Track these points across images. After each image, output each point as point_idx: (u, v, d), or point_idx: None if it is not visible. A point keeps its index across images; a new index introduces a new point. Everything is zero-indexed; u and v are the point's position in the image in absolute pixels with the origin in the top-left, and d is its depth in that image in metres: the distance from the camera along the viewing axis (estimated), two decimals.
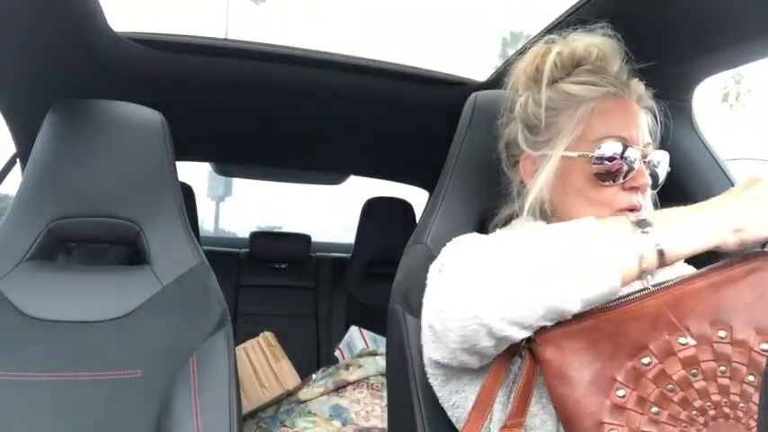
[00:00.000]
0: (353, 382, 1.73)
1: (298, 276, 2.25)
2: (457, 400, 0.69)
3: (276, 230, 3.54)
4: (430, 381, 0.71)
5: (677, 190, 0.94)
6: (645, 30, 0.86)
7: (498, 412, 0.63)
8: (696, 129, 1.02)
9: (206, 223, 5.75)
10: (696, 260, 0.59)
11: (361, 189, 2.58)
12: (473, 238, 0.75)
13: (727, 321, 0.54)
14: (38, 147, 0.93)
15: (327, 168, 2.41)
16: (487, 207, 0.86)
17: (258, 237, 2.32)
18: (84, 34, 1.02)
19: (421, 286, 0.80)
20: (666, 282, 0.56)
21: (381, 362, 1.78)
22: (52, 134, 0.94)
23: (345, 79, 1.37)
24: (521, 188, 0.78)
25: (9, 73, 1.06)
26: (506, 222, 0.81)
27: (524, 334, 0.56)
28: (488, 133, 0.85)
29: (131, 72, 1.24)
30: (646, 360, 0.54)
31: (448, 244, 0.75)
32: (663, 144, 0.77)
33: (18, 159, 1.30)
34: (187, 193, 1.97)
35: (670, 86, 0.97)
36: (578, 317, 0.55)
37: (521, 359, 0.60)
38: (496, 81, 0.84)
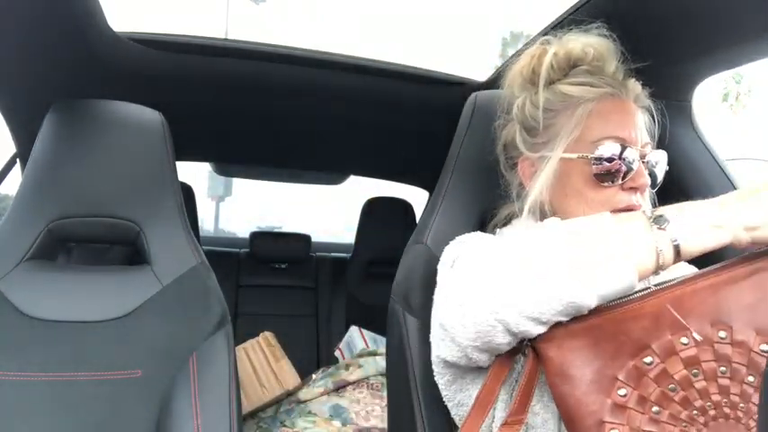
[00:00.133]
0: (353, 382, 1.73)
1: (298, 276, 2.25)
2: (461, 398, 0.69)
3: (276, 230, 3.54)
4: (436, 379, 0.71)
5: (677, 190, 0.94)
6: (645, 30, 0.86)
7: (501, 411, 0.63)
8: (696, 129, 1.02)
9: (206, 223, 5.75)
10: (698, 260, 0.58)
11: (361, 189, 2.58)
12: (477, 236, 0.75)
13: (728, 322, 0.54)
14: (38, 147, 0.93)
15: (327, 168, 2.41)
16: (487, 207, 0.86)
17: (258, 237, 2.32)
18: (84, 34, 1.02)
19: (421, 286, 0.81)
20: (668, 281, 0.56)
21: (381, 362, 1.78)
22: (52, 134, 0.94)
23: (345, 79, 1.37)
24: (520, 190, 0.78)
25: (9, 73, 1.06)
26: (506, 222, 0.81)
27: (541, 329, 0.56)
28: (488, 133, 0.85)
29: (131, 72, 1.24)
30: (647, 359, 0.54)
31: (451, 243, 0.75)
32: (661, 144, 0.77)
33: (18, 159, 1.30)
34: (187, 193, 1.97)
35: (670, 86, 0.97)
36: (581, 315, 0.55)
37: (523, 357, 0.60)
38: (496, 81, 0.84)
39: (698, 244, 0.55)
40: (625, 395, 0.53)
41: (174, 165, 0.99)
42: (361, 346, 1.98)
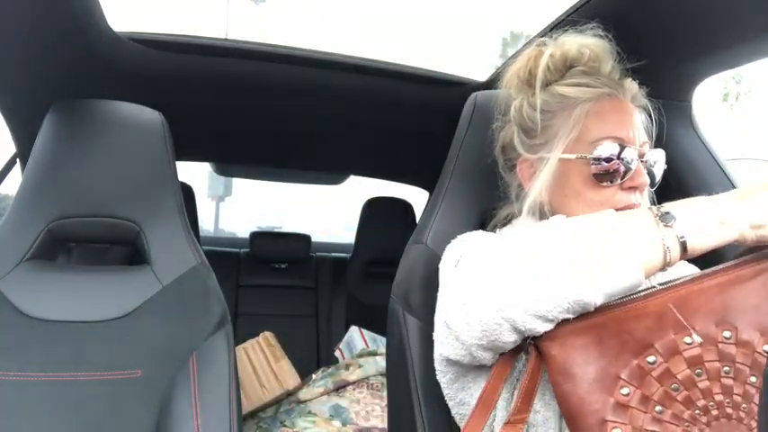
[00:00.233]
0: (353, 382, 1.73)
1: (298, 276, 2.25)
2: (463, 397, 0.69)
3: (276, 230, 3.54)
4: (438, 378, 0.71)
5: (677, 190, 0.94)
6: (645, 30, 0.86)
7: (501, 409, 0.63)
8: (696, 129, 1.02)
9: (206, 223, 5.75)
10: (700, 258, 0.58)
11: (361, 189, 2.58)
12: (479, 235, 0.75)
13: (733, 322, 0.54)
14: (38, 147, 0.93)
15: (327, 168, 2.41)
16: (487, 207, 0.86)
17: (258, 237, 2.32)
18: (85, 34, 1.02)
19: (421, 286, 0.81)
20: (673, 280, 0.56)
21: (381, 362, 1.78)
22: (52, 134, 0.94)
23: (345, 79, 1.37)
24: (519, 191, 0.78)
25: (9, 73, 1.06)
26: (506, 223, 0.81)
27: (548, 327, 0.55)
28: (488, 133, 0.85)
29: (131, 72, 1.24)
30: (651, 359, 0.54)
31: (452, 241, 0.75)
32: (659, 143, 0.77)
33: (18, 159, 1.30)
34: (187, 193, 1.97)
35: (670, 87, 0.97)
36: (585, 314, 0.55)
37: (526, 355, 0.60)
38: (496, 81, 0.84)
39: (704, 241, 0.55)
40: (628, 394, 0.53)
41: (174, 165, 0.99)
42: (361, 346, 1.98)
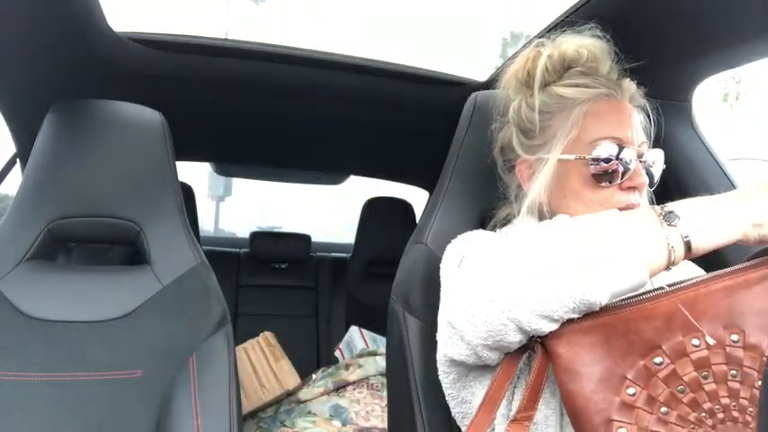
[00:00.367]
0: (353, 382, 1.73)
1: (298, 276, 2.25)
2: (465, 395, 0.69)
3: (276, 230, 3.53)
4: (440, 378, 0.71)
5: (677, 190, 0.94)
6: (644, 30, 0.86)
7: (502, 408, 0.63)
8: (696, 129, 1.02)
9: (206, 223, 5.75)
10: (704, 259, 0.58)
11: (361, 189, 2.58)
12: (480, 234, 0.75)
13: (740, 325, 0.53)
14: (38, 147, 0.93)
15: (327, 168, 2.41)
16: (487, 207, 0.86)
17: (258, 237, 2.32)
18: (85, 34, 1.02)
19: (421, 286, 0.81)
20: (681, 282, 0.56)
21: (381, 362, 1.78)
22: (52, 134, 0.94)
23: (345, 79, 1.37)
24: (518, 192, 0.78)
25: (9, 73, 1.06)
26: (505, 223, 0.81)
27: (553, 326, 0.55)
28: (488, 133, 0.85)
29: (131, 72, 1.24)
30: (658, 360, 0.54)
31: (453, 241, 0.75)
32: (658, 143, 0.77)
33: (18, 159, 1.30)
34: (187, 193, 1.97)
35: (669, 87, 0.97)
36: (592, 313, 0.55)
37: (533, 353, 0.60)
38: (496, 81, 0.84)
39: (708, 240, 0.55)
40: (634, 394, 0.53)
41: (174, 165, 0.99)
42: (361, 346, 1.98)
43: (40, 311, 0.86)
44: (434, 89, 1.42)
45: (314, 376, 1.82)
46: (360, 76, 1.36)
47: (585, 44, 0.74)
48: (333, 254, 2.42)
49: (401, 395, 0.80)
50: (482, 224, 0.86)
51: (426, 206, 0.97)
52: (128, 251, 1.03)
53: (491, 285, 0.57)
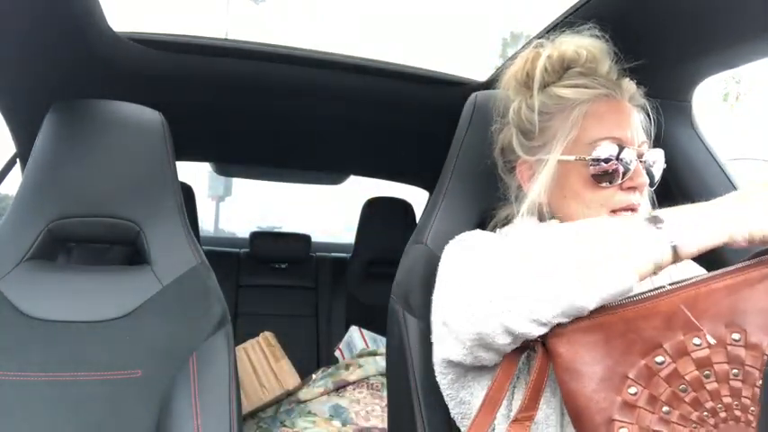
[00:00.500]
0: (353, 382, 1.73)
1: (298, 276, 2.25)
2: (463, 395, 0.69)
3: (276, 230, 3.53)
4: (438, 379, 0.71)
5: (677, 190, 0.94)
6: (644, 30, 0.86)
7: (502, 408, 0.63)
8: (696, 129, 1.02)
9: (206, 223, 5.75)
10: (706, 259, 0.58)
11: (361, 189, 2.58)
12: (477, 235, 0.75)
13: (742, 324, 0.53)
14: (38, 147, 0.93)
15: (327, 168, 2.41)
16: (487, 207, 0.86)
17: (258, 237, 2.32)
18: (85, 34, 1.02)
19: (421, 286, 0.81)
20: (682, 281, 0.56)
21: (381, 362, 1.78)
22: (52, 134, 0.94)
23: (345, 79, 1.37)
24: (518, 192, 0.78)
25: (9, 73, 1.06)
26: (505, 223, 0.81)
27: (542, 330, 0.56)
28: (488, 133, 0.85)
29: (131, 72, 1.24)
30: (659, 359, 0.54)
31: (451, 242, 0.75)
32: (658, 143, 0.77)
33: (18, 159, 1.30)
34: (187, 193, 1.97)
35: (669, 87, 0.97)
36: (593, 312, 0.55)
37: (533, 353, 0.60)
38: (496, 81, 0.84)
39: (695, 244, 0.55)
40: (635, 394, 0.53)
41: (174, 165, 0.99)
42: (361, 346, 1.98)
43: (40, 311, 0.86)
44: (434, 89, 1.42)
45: (314, 376, 1.82)
46: (360, 76, 1.36)
47: (585, 44, 0.74)
48: (333, 254, 2.42)
49: (401, 395, 0.80)
50: (482, 224, 0.86)
51: (426, 206, 0.97)
52: (128, 251, 1.03)
53: (482, 288, 0.58)
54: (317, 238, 2.45)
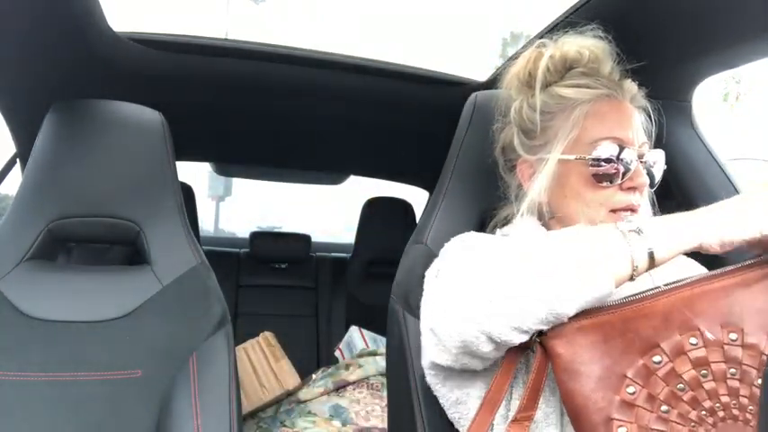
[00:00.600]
0: (353, 382, 1.73)
1: (298, 276, 2.25)
2: (459, 396, 0.69)
3: (276, 230, 3.54)
4: (428, 381, 0.71)
5: (677, 190, 0.94)
6: (644, 30, 0.86)
7: (501, 408, 0.63)
8: (696, 129, 1.02)
9: (206, 223, 5.75)
10: (704, 258, 0.59)
11: (361, 189, 2.58)
12: (473, 237, 0.75)
13: (739, 324, 0.54)
14: (38, 147, 0.94)
15: (327, 168, 2.41)
16: (487, 207, 0.86)
17: (258, 237, 2.32)
18: (84, 34, 1.02)
19: (421, 286, 0.80)
20: (680, 281, 0.57)
21: (381, 362, 1.78)
22: (52, 134, 0.94)
23: (345, 79, 1.37)
24: (519, 192, 0.79)
25: (9, 73, 1.06)
26: (506, 223, 0.81)
27: (523, 338, 0.56)
28: (488, 133, 0.85)
29: (131, 72, 1.24)
30: (657, 358, 0.54)
31: (446, 244, 0.75)
32: (659, 143, 0.77)
33: (18, 159, 1.30)
34: (187, 193, 1.97)
35: (670, 87, 0.97)
36: (591, 312, 0.56)
37: (531, 353, 0.60)
38: (496, 81, 0.84)
39: (669, 250, 0.56)
40: (634, 393, 0.54)
41: (174, 165, 0.99)
42: (361, 346, 1.98)
43: (40, 311, 0.86)
44: (434, 89, 1.43)
45: (314, 376, 1.82)
46: (360, 76, 1.36)
47: (587, 45, 0.74)
48: (333, 254, 2.42)
49: (401, 395, 0.80)
50: (482, 224, 0.87)
51: (426, 206, 0.97)
52: (128, 251, 1.03)
53: (461, 297, 0.59)
54: (317, 238, 2.45)
